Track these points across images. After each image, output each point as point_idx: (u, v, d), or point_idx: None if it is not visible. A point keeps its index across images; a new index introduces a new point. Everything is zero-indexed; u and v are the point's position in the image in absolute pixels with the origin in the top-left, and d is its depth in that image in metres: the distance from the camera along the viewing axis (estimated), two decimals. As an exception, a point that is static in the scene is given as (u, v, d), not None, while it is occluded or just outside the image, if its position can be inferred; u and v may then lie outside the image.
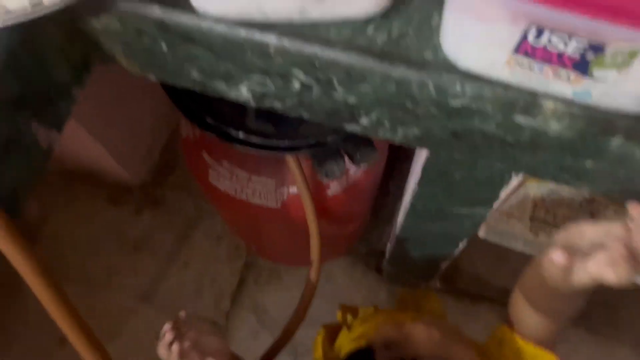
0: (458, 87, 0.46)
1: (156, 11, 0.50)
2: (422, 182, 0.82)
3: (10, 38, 0.51)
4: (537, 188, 1.02)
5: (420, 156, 0.83)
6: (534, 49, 0.41)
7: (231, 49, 0.51)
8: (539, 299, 0.59)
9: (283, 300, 1.49)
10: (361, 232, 1.49)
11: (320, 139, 0.72)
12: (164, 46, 0.55)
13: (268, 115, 0.79)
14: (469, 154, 0.56)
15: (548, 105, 0.45)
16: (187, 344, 0.64)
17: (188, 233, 1.58)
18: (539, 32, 0.39)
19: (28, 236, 0.53)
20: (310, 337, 0.99)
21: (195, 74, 0.58)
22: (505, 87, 0.46)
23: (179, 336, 0.65)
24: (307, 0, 0.47)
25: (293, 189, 0.96)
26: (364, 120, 0.56)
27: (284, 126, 0.76)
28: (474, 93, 0.46)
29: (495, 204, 0.82)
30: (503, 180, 0.70)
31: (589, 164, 0.50)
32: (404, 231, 1.09)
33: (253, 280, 1.53)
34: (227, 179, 0.98)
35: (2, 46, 0.51)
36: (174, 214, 1.61)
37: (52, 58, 0.56)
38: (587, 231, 0.50)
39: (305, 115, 0.59)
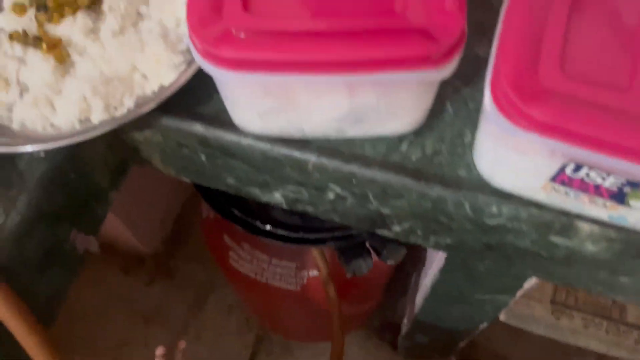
0: (494, 209, 0.48)
1: (199, 128, 0.52)
2: (444, 270, 0.82)
3: (58, 154, 0.52)
4: (556, 270, 1.02)
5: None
6: (571, 179, 0.43)
7: (270, 164, 0.53)
8: None
9: (295, 375, 1.45)
10: (376, 307, 1.48)
11: (346, 232, 0.73)
12: (203, 157, 0.56)
13: (293, 206, 0.80)
14: (500, 262, 0.57)
15: (584, 228, 0.46)
16: None
17: (200, 304, 1.56)
18: (577, 168, 0.41)
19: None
20: None
21: (230, 180, 0.60)
22: (541, 207, 0.47)
23: None
24: (344, 122, 0.49)
25: (313, 272, 0.96)
26: (396, 228, 0.57)
27: (310, 218, 0.77)
28: (510, 214, 0.48)
29: (519, 293, 0.82)
30: (528, 275, 0.70)
31: (624, 279, 0.50)
32: (422, 312, 1.08)
33: (265, 354, 1.50)
34: (247, 261, 0.98)
35: (50, 162, 0.52)
36: (185, 285, 1.59)
37: (93, 167, 0.58)
38: None
39: (337, 219, 0.60)
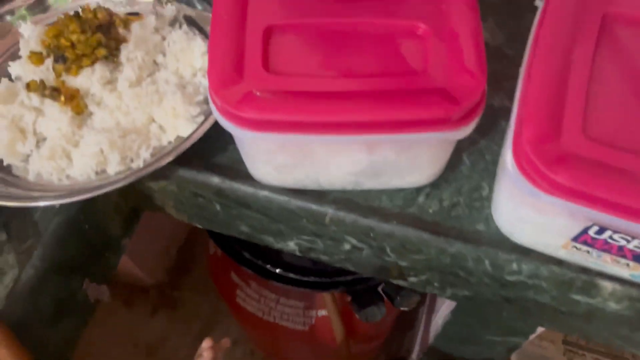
0: (514, 266, 0.47)
1: (215, 180, 0.52)
2: (456, 312, 0.81)
3: (73, 205, 0.52)
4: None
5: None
6: (594, 240, 0.42)
7: (286, 215, 0.53)
8: None
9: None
10: (383, 342, 1.46)
11: (358, 277, 0.72)
12: (217, 207, 0.56)
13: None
14: (518, 314, 0.56)
15: (606, 286, 0.46)
16: None
17: (204, 336, 1.54)
18: (601, 230, 0.41)
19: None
20: None
21: (244, 228, 0.59)
22: (561, 265, 0.47)
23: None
24: (362, 176, 0.49)
25: (322, 312, 0.95)
26: (413, 279, 0.56)
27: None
28: (530, 272, 0.47)
29: (532, 336, 0.81)
30: (545, 326, 0.69)
31: (645, 336, 0.50)
32: (432, 349, 1.06)
33: (269, 389, 1.48)
34: (254, 300, 0.97)
35: (64, 213, 0.52)
36: (189, 316, 1.58)
37: (106, 217, 0.57)
38: None
39: (351, 268, 0.60)
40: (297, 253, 0.61)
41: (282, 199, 0.51)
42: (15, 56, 0.61)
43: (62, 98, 0.53)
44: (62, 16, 0.58)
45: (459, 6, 0.45)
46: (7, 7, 0.64)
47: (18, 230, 0.52)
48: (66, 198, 0.48)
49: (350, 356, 0.94)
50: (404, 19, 0.45)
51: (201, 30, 0.62)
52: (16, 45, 0.62)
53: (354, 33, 0.45)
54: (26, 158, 0.53)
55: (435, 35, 0.44)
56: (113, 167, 0.51)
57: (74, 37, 0.55)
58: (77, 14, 0.57)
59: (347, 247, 0.54)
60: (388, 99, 0.41)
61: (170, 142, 0.53)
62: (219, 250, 1.00)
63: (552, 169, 0.38)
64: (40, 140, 0.54)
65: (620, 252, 0.42)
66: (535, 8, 0.63)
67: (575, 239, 0.43)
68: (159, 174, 0.53)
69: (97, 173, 0.52)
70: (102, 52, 0.55)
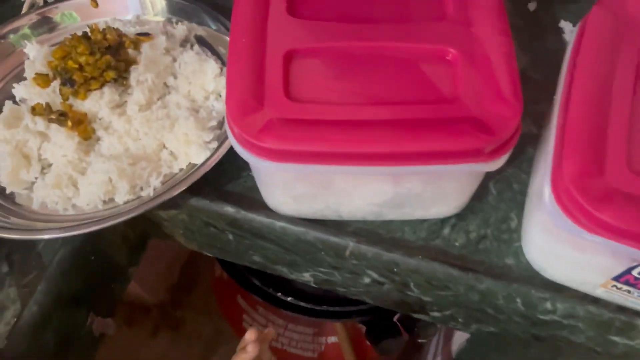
0: (548, 305, 0.44)
1: (229, 210, 0.50)
2: (472, 340, 0.78)
3: (78, 236, 0.49)
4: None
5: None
6: (637, 280, 0.39)
7: (303, 247, 0.50)
8: None
9: None
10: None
11: (373, 305, 0.69)
12: (230, 237, 0.54)
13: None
14: (547, 352, 0.53)
15: (647, 328, 0.43)
16: None
17: (207, 357, 1.50)
18: (647, 271, 0.38)
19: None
20: None
21: (257, 258, 0.57)
22: (598, 303, 0.44)
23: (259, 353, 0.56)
24: (385, 206, 0.47)
25: (332, 339, 0.92)
26: (436, 314, 0.54)
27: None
28: (565, 311, 0.44)
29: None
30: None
31: (686, 379, 0.47)
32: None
33: (274, 412, 1.44)
34: (262, 325, 0.94)
35: (70, 244, 0.49)
36: (191, 337, 1.54)
37: (113, 247, 0.55)
38: None
39: (369, 300, 0.57)
40: (312, 284, 0.58)
41: (299, 230, 0.49)
42: (20, 77, 0.58)
43: (69, 123, 0.50)
44: (70, 36, 0.55)
45: (491, 30, 0.43)
46: (10, 26, 0.61)
47: (21, 262, 0.49)
48: (71, 231, 0.46)
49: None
50: (432, 43, 0.43)
51: (213, 51, 0.60)
52: (21, 66, 0.60)
53: (379, 57, 0.43)
54: (30, 186, 0.51)
55: (466, 60, 0.41)
56: (122, 197, 0.49)
57: (82, 59, 0.52)
58: (85, 34, 0.55)
59: (366, 280, 0.52)
60: (416, 129, 0.39)
61: (181, 169, 0.51)
62: (225, 273, 0.97)
63: (597, 207, 0.35)
64: (45, 167, 0.52)
65: (666, 293, 0.39)
66: (560, 29, 0.61)
67: (617, 278, 0.40)
68: (169, 203, 0.50)
69: (104, 202, 0.49)
70: (111, 74, 0.53)
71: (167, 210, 0.52)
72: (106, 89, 0.53)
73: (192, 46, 0.59)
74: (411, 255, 0.46)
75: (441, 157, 0.39)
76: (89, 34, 0.55)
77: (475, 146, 0.38)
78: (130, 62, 0.56)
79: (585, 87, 0.40)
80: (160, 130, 0.51)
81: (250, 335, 0.55)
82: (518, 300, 0.45)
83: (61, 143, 0.50)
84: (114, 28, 0.56)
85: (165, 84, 0.56)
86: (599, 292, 0.44)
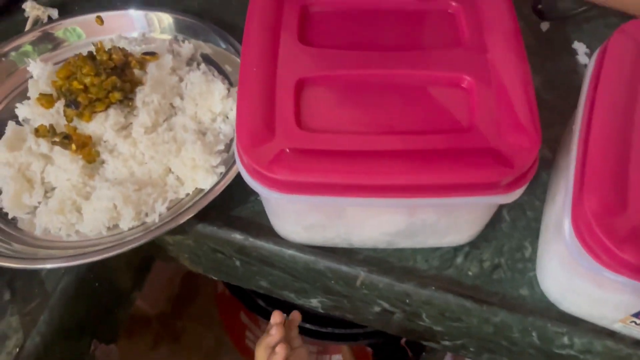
0: (565, 339, 0.43)
1: (237, 237, 0.48)
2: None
3: (81, 266, 0.48)
4: None
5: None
6: (659, 318, 0.38)
7: (313, 275, 0.49)
8: None
9: None
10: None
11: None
12: (237, 263, 0.52)
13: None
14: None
15: (668, 364, 0.42)
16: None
17: (207, 370, 1.49)
18: (670, 311, 0.37)
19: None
20: None
21: (264, 284, 0.55)
22: (615, 337, 0.43)
23: (284, 338, 0.51)
24: (397, 236, 0.46)
25: (336, 357, 0.90)
26: (447, 343, 0.52)
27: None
28: (583, 346, 0.43)
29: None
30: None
31: None
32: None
33: None
34: (265, 342, 0.92)
35: (73, 271, 0.48)
36: (193, 349, 1.52)
37: (117, 272, 0.53)
38: None
39: (378, 327, 0.56)
40: (320, 310, 0.57)
41: (309, 258, 0.48)
42: (23, 96, 0.57)
43: (74, 146, 0.49)
44: (74, 56, 0.54)
45: (507, 56, 0.42)
46: (13, 44, 0.60)
47: (23, 289, 0.48)
48: (75, 260, 0.44)
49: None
50: (446, 70, 0.42)
51: (220, 70, 0.59)
52: (23, 85, 0.59)
53: (392, 86, 0.41)
54: (33, 210, 0.50)
55: (482, 87, 0.40)
56: (126, 223, 0.47)
57: (87, 80, 0.51)
58: (91, 54, 0.54)
59: (377, 309, 0.50)
60: (432, 160, 0.38)
61: (188, 194, 0.50)
62: (227, 290, 0.96)
63: (619, 246, 0.34)
64: (48, 190, 0.50)
65: (689, 331, 0.38)
66: (574, 50, 0.60)
67: (637, 314, 0.39)
68: (176, 229, 0.49)
69: (109, 228, 0.48)
70: (117, 96, 0.52)
71: (173, 235, 0.51)
72: (111, 111, 0.52)
73: (198, 65, 0.58)
74: (424, 286, 0.45)
75: (457, 189, 0.38)
76: (95, 53, 0.54)
77: (492, 179, 0.37)
78: (136, 83, 0.54)
79: (606, 119, 0.39)
80: (167, 155, 0.50)
81: (275, 317, 0.51)
82: (534, 334, 0.44)
83: (65, 166, 0.49)
84: (119, 48, 0.55)
85: (171, 105, 0.55)
86: (617, 327, 0.42)
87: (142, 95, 0.53)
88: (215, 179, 0.49)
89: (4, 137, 0.52)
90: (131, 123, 0.53)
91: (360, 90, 0.41)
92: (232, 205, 0.51)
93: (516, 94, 0.40)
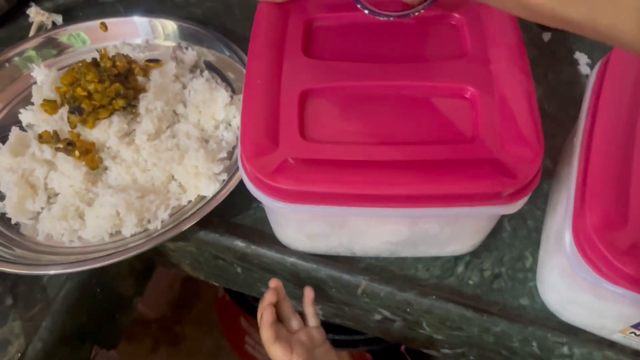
0: (565, 350, 0.43)
1: (239, 244, 0.49)
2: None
3: (83, 272, 0.48)
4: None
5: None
6: (659, 330, 0.39)
7: (314, 283, 0.49)
8: None
9: None
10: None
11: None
12: (239, 269, 0.53)
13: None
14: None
15: (668, 376, 0.42)
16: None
17: (205, 374, 1.48)
18: (670, 323, 0.37)
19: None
20: None
21: (265, 290, 0.55)
22: (614, 348, 0.43)
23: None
24: (400, 245, 0.46)
25: (336, 363, 0.90)
26: (447, 351, 0.52)
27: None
28: (583, 357, 0.43)
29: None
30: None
31: None
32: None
33: None
34: (264, 347, 0.92)
35: (75, 278, 0.48)
36: (192, 353, 1.52)
37: (119, 278, 0.54)
38: None
39: (378, 335, 0.56)
40: (321, 317, 0.57)
41: (310, 266, 0.48)
42: (26, 102, 0.58)
43: (77, 153, 0.50)
44: (79, 62, 0.54)
45: (511, 68, 0.42)
46: (17, 50, 0.61)
47: (25, 294, 0.48)
48: (78, 267, 0.45)
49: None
50: (450, 82, 0.42)
51: (223, 77, 0.59)
52: (27, 90, 0.59)
53: (396, 97, 0.42)
54: (36, 216, 0.50)
55: (485, 99, 0.41)
56: (129, 229, 0.48)
57: (91, 87, 0.52)
58: (95, 61, 0.54)
59: (377, 317, 0.51)
60: (435, 170, 0.38)
61: (190, 202, 0.50)
62: (227, 295, 0.96)
63: (620, 259, 0.34)
64: (51, 196, 0.51)
65: (689, 343, 0.38)
66: (575, 61, 0.60)
67: (637, 325, 0.39)
68: (178, 235, 0.49)
69: (111, 235, 0.48)
70: (120, 103, 0.52)
71: (175, 242, 0.51)
72: (115, 118, 0.52)
73: (201, 72, 0.59)
74: (425, 295, 0.45)
75: (460, 200, 0.38)
76: (98, 60, 0.54)
77: (495, 190, 0.37)
78: (139, 90, 0.55)
79: (607, 131, 0.39)
80: (170, 162, 0.50)
81: (271, 282, 0.46)
82: (534, 343, 0.44)
83: (68, 173, 0.50)
84: (123, 55, 0.55)
85: (174, 112, 0.55)
86: (616, 337, 0.43)
87: (145, 102, 0.53)
88: (217, 186, 0.49)
89: (7, 143, 0.52)
90: (134, 130, 0.53)
91: (364, 102, 0.41)
92: (234, 212, 0.51)
93: (519, 106, 0.40)
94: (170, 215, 0.49)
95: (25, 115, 0.55)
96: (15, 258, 0.46)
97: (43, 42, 0.62)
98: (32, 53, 0.61)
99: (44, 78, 0.57)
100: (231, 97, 0.55)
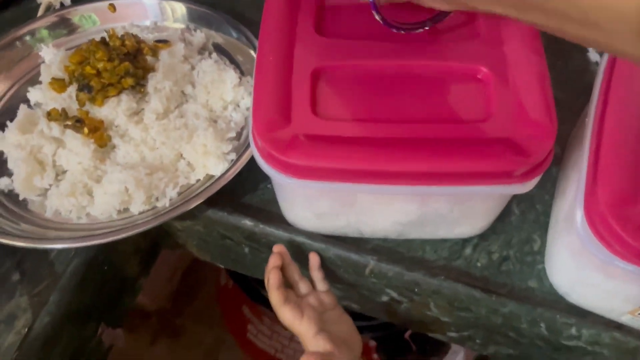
0: (573, 331, 0.43)
1: (247, 223, 0.49)
2: None
3: (92, 246, 0.48)
4: None
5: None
6: (668, 310, 0.39)
7: (322, 263, 0.49)
8: None
9: None
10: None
11: (384, 321, 0.68)
12: (246, 250, 0.52)
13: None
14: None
15: (676, 358, 0.42)
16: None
17: (205, 366, 1.48)
18: (681, 301, 0.37)
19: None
20: None
21: (271, 273, 0.55)
22: (622, 330, 0.43)
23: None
24: (409, 226, 0.46)
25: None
26: (453, 334, 0.52)
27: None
28: (591, 338, 0.43)
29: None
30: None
31: None
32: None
33: (272, 423, 1.42)
34: (267, 336, 0.93)
35: (83, 254, 0.48)
36: (192, 346, 1.52)
37: (125, 257, 0.54)
38: None
39: (384, 318, 0.56)
40: (326, 300, 0.57)
41: (319, 246, 0.48)
42: (34, 81, 0.57)
43: (86, 130, 0.49)
44: (88, 42, 0.54)
45: (523, 49, 0.42)
46: (27, 28, 0.61)
47: (32, 270, 0.48)
48: (86, 241, 0.45)
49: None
50: (462, 62, 0.42)
51: (232, 60, 0.59)
52: (35, 69, 0.59)
53: (408, 76, 0.42)
54: (44, 192, 0.50)
55: (498, 79, 0.41)
56: (137, 207, 0.48)
57: (100, 65, 0.52)
58: (104, 40, 0.54)
59: (384, 299, 0.51)
60: (446, 148, 0.38)
61: (198, 180, 0.50)
62: (231, 282, 0.96)
63: (632, 235, 0.34)
64: (59, 174, 0.51)
65: (698, 324, 0.38)
66: (584, 48, 0.60)
67: (647, 307, 0.40)
68: (186, 214, 0.49)
69: (119, 212, 0.48)
70: (129, 81, 0.52)
71: (182, 221, 0.51)
72: (123, 96, 0.52)
73: (210, 54, 0.59)
74: (433, 276, 0.45)
75: (471, 178, 0.38)
76: (107, 39, 0.54)
77: (507, 168, 0.37)
78: (148, 69, 0.55)
79: (619, 111, 0.39)
80: (178, 141, 0.50)
81: (275, 248, 0.46)
82: (542, 325, 0.44)
83: (77, 150, 0.49)
84: (132, 35, 0.55)
85: (182, 93, 0.55)
86: (625, 319, 0.43)
87: (154, 81, 0.53)
88: (226, 165, 0.49)
89: (15, 120, 0.52)
90: (143, 109, 0.53)
91: (376, 80, 0.41)
92: (242, 192, 0.51)
93: (532, 86, 0.40)
94: (179, 194, 0.49)
95: (34, 94, 0.55)
96: (21, 232, 0.46)
97: (56, 22, 0.61)
98: (45, 32, 0.61)
99: (52, 57, 0.57)
100: (240, 78, 0.55)
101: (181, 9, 0.62)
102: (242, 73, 0.57)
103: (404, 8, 0.41)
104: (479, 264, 0.47)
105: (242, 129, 0.53)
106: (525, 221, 0.49)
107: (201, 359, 1.52)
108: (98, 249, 0.49)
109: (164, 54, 0.56)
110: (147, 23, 0.62)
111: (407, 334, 0.72)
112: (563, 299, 0.45)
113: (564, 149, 0.52)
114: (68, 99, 0.53)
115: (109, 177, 0.48)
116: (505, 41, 0.42)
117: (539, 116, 0.38)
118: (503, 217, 0.49)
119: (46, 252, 0.49)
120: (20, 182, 0.49)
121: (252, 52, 0.58)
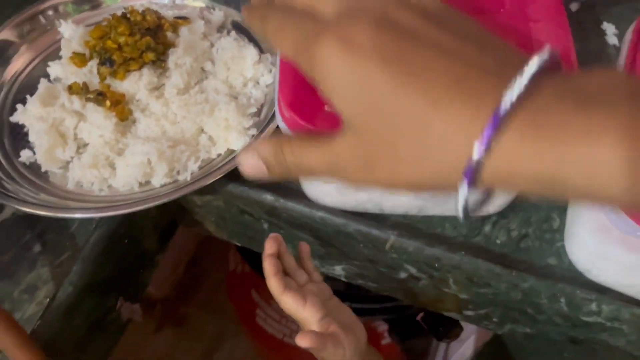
0: (594, 306, 0.44)
1: (268, 198, 0.49)
2: (490, 344, 0.77)
3: (114, 219, 0.49)
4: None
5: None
6: (691, 283, 0.39)
7: (342, 239, 0.49)
8: None
9: None
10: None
11: (397, 303, 0.69)
12: (265, 225, 0.53)
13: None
14: (580, 355, 0.52)
15: (696, 333, 0.42)
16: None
17: (209, 355, 1.49)
18: None
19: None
20: None
21: (289, 249, 0.56)
22: (643, 306, 0.43)
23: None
24: (430, 201, 0.46)
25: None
26: (469, 313, 0.53)
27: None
28: (611, 314, 0.44)
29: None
30: None
31: None
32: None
33: (276, 412, 1.42)
34: (275, 321, 0.93)
35: (104, 227, 0.48)
36: (196, 334, 1.52)
37: (144, 232, 0.54)
38: None
39: (400, 297, 0.56)
40: (342, 278, 0.57)
41: (340, 221, 0.48)
42: (54, 56, 0.58)
43: (108, 103, 0.50)
44: (109, 17, 0.55)
45: (549, 23, 0.42)
46: (51, 2, 0.61)
47: (54, 241, 0.48)
48: (106, 211, 0.45)
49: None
50: (486, 36, 0.42)
51: (250, 38, 0.59)
52: (55, 45, 0.59)
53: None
54: (66, 165, 0.50)
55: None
56: (159, 179, 0.48)
57: (122, 40, 0.52)
58: (124, 15, 0.54)
59: (403, 275, 0.51)
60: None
61: (219, 155, 0.50)
62: (240, 266, 0.96)
63: (659, 205, 0.35)
64: (80, 147, 0.51)
65: None
66: (602, 31, 0.60)
67: (670, 280, 0.40)
68: (206, 188, 0.49)
69: (141, 184, 0.48)
70: (150, 56, 0.52)
71: (202, 195, 0.51)
72: (145, 71, 0.52)
73: (228, 32, 0.59)
74: (454, 251, 0.45)
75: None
76: (128, 15, 0.54)
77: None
78: (168, 45, 0.55)
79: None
80: (200, 115, 0.50)
81: (270, 237, 0.44)
82: (562, 300, 0.44)
83: (98, 123, 0.50)
84: (153, 10, 0.56)
85: (202, 69, 0.55)
86: (647, 294, 0.43)
87: (174, 57, 0.53)
88: (247, 140, 0.50)
89: (37, 93, 0.52)
90: (164, 84, 0.53)
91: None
92: (262, 168, 0.51)
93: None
94: (200, 168, 0.49)
95: (54, 69, 0.55)
96: (44, 203, 0.46)
97: (79, -2, 0.62)
98: (70, 7, 0.61)
99: (72, 32, 0.57)
100: (259, 55, 0.55)
101: (200, -14, 0.62)
102: (261, 50, 0.57)
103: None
104: (498, 241, 0.48)
105: (262, 105, 0.53)
106: (544, 200, 0.50)
107: (205, 348, 1.52)
108: (119, 222, 0.49)
109: (184, 31, 0.56)
110: (166, 1, 0.62)
111: (419, 317, 0.72)
112: (583, 275, 0.45)
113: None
114: (88, 74, 0.53)
115: (131, 149, 0.48)
116: (531, 16, 0.42)
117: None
118: (521, 195, 0.49)
119: (67, 224, 0.49)
120: (42, 153, 0.49)
121: (271, 30, 0.58)
